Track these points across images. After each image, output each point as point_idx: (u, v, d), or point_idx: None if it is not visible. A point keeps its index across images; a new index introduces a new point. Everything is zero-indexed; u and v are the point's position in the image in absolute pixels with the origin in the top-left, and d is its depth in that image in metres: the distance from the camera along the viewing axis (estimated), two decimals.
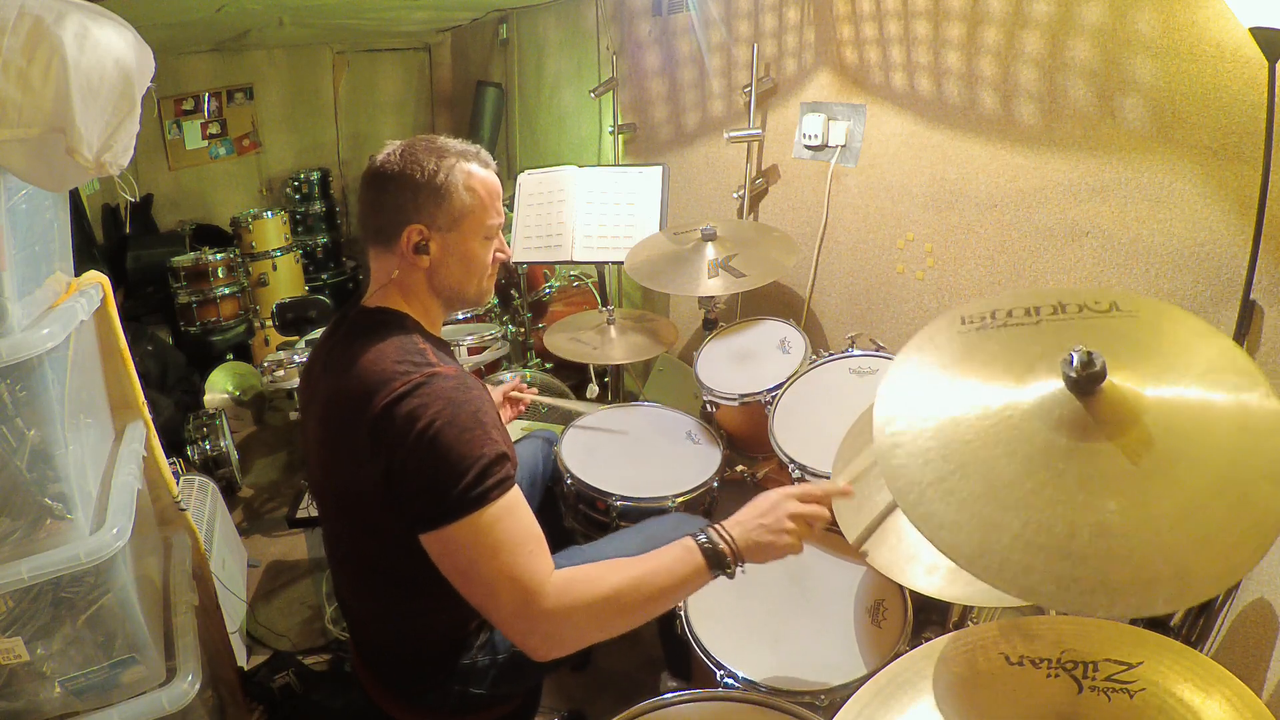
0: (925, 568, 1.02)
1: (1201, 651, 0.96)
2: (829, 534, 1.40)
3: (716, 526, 1.06)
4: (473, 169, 1.12)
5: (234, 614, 1.98)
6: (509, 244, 2.21)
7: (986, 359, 0.89)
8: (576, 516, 1.64)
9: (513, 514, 0.99)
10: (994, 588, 0.72)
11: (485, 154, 1.16)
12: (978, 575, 0.73)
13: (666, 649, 1.51)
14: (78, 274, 1.36)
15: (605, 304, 2.65)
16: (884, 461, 0.85)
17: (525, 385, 1.72)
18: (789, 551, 1.06)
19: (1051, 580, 0.70)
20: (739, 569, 1.04)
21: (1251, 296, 1.24)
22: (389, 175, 1.09)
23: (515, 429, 2.10)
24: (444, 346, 1.17)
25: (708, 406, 1.85)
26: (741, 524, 1.06)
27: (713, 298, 2.12)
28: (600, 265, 2.65)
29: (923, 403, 0.87)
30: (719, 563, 1.03)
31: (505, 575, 0.96)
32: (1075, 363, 0.80)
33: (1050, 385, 0.82)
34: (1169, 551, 0.69)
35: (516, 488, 1.01)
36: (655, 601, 1.02)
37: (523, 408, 1.68)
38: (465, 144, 1.14)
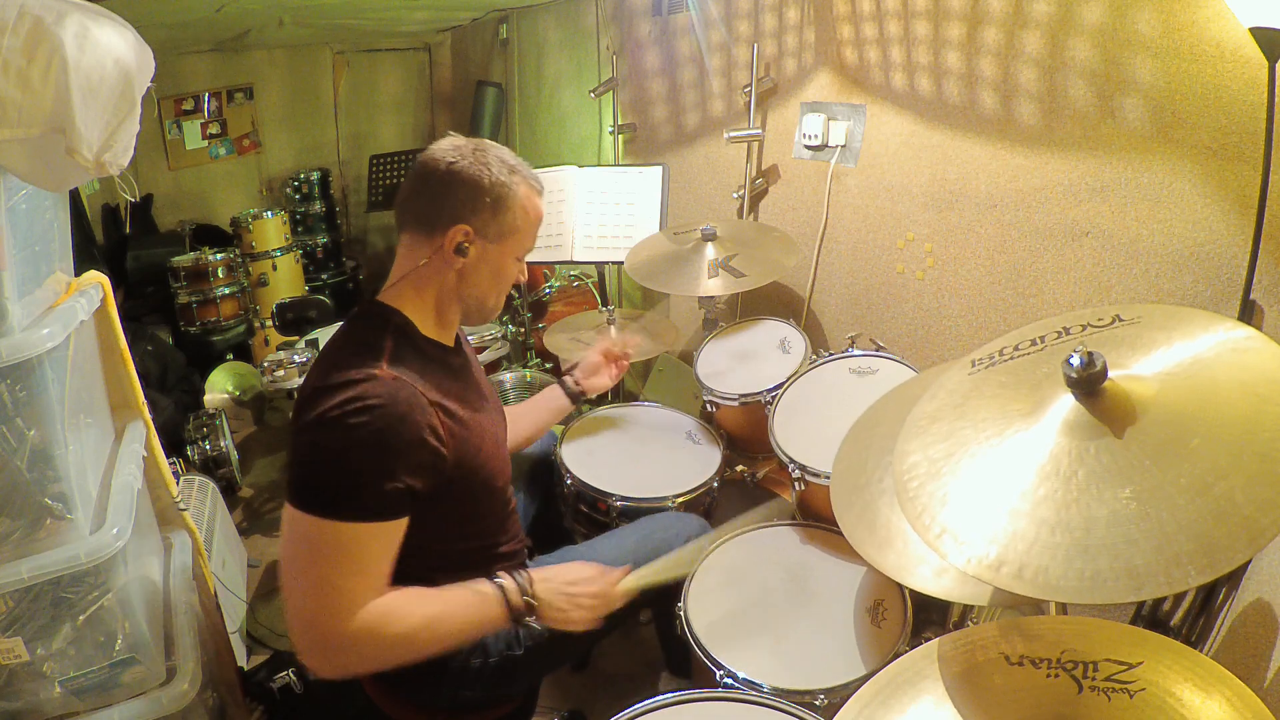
0: (934, 570, 1.02)
1: (1201, 651, 0.95)
2: (828, 534, 1.41)
3: (525, 578, 1.10)
4: (533, 194, 1.16)
5: (234, 614, 1.98)
6: None
7: (995, 390, 0.92)
8: (576, 516, 1.64)
9: (369, 544, 0.98)
10: (1017, 593, 0.73)
11: (541, 184, 1.19)
12: (999, 585, 0.74)
13: (666, 649, 1.51)
14: (78, 274, 1.36)
15: (605, 304, 2.65)
16: (898, 486, 0.87)
17: (626, 348, 1.69)
18: (576, 627, 1.11)
19: (1073, 576, 0.70)
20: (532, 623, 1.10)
21: (1251, 296, 1.24)
22: (456, 170, 1.09)
23: None
24: (436, 350, 1.14)
25: (708, 406, 1.85)
26: (548, 581, 1.11)
27: (713, 298, 2.12)
28: (600, 265, 2.65)
29: (936, 438, 0.90)
30: (516, 616, 1.08)
31: (329, 586, 0.96)
32: (1076, 364, 0.80)
33: (1056, 397, 0.83)
34: (1191, 526, 0.69)
35: (394, 523, 1.00)
36: (445, 643, 1.05)
37: (625, 365, 1.68)
38: (530, 168, 1.17)
